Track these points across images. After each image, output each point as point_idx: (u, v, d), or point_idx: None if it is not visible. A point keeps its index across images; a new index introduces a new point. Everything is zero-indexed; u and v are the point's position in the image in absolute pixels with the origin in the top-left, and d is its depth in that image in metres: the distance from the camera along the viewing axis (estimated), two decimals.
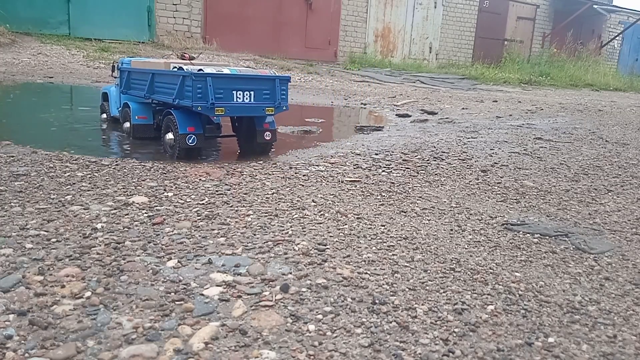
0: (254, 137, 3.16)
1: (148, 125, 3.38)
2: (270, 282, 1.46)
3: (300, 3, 13.28)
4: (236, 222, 1.93)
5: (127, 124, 3.47)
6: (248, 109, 2.95)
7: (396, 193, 2.53)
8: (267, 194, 2.33)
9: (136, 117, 3.35)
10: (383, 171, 2.97)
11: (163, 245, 1.67)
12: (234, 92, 2.86)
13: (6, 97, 5.31)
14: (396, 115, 6.12)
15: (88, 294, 1.33)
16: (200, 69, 2.84)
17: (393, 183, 2.72)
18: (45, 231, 1.70)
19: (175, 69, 2.97)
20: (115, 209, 1.97)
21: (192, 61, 3.35)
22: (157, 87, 3.15)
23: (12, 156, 2.64)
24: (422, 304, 1.40)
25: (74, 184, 2.26)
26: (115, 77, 3.77)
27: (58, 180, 2.30)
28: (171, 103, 2.95)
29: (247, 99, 2.91)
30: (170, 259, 1.57)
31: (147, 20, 11.47)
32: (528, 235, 2.05)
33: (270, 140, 3.18)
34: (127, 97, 3.52)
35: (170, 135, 3.01)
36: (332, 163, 3.09)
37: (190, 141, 2.90)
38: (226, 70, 2.92)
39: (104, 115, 3.98)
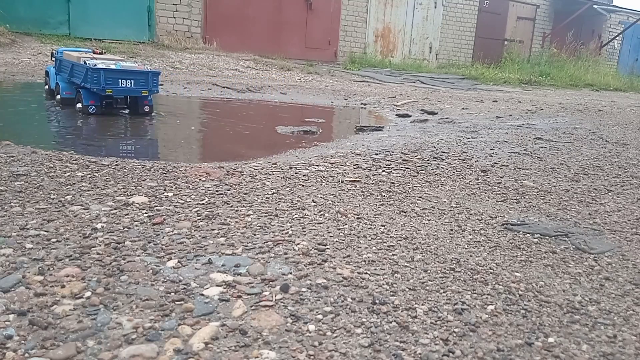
0: (138, 108, 4.57)
1: (72, 99, 4.65)
2: (270, 282, 1.46)
3: (300, 3, 13.28)
4: (236, 222, 1.93)
5: (58, 97, 4.81)
6: (129, 91, 4.37)
7: (396, 193, 2.53)
8: (267, 194, 2.33)
9: (64, 93, 4.67)
10: (383, 171, 2.97)
11: (163, 245, 1.67)
12: (120, 80, 4.27)
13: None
14: (396, 115, 6.12)
15: (88, 294, 1.33)
16: (96, 64, 4.22)
17: (393, 183, 2.72)
18: (45, 231, 1.70)
19: (84, 62, 4.29)
20: (115, 209, 1.97)
21: (99, 55, 4.71)
22: (74, 73, 4.51)
23: (12, 156, 2.64)
24: (422, 304, 1.40)
25: (74, 184, 2.26)
26: (52, 62, 5.16)
27: (58, 180, 2.30)
28: (80, 84, 4.35)
29: (128, 85, 4.32)
30: (170, 259, 1.57)
31: (147, 20, 11.47)
32: (528, 235, 2.05)
33: (148, 111, 4.61)
34: (59, 78, 4.83)
35: (79, 105, 4.44)
36: (332, 163, 3.09)
37: (90, 110, 4.36)
38: (113, 66, 4.30)
39: (46, 87, 5.34)
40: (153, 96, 4.65)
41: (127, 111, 4.68)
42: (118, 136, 3.90)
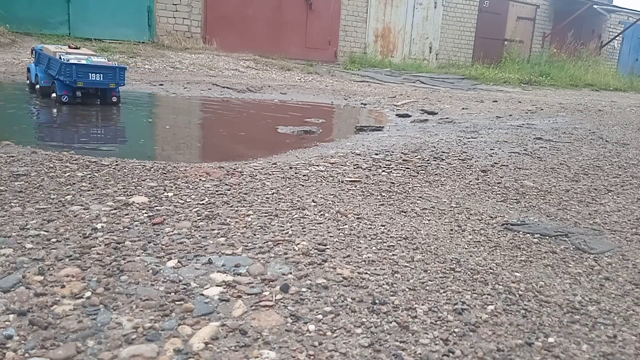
0: (107, 98, 5.06)
1: (49, 87, 5.10)
2: (270, 282, 1.46)
3: (300, 3, 13.28)
4: (236, 222, 1.93)
5: (37, 86, 5.29)
6: (98, 83, 4.88)
7: (396, 193, 2.53)
8: (267, 194, 2.33)
9: (42, 82, 5.15)
10: (383, 171, 2.97)
11: (163, 245, 1.67)
12: (90, 73, 4.76)
13: None
14: (396, 115, 6.12)
15: (88, 294, 1.33)
16: (69, 60, 4.68)
17: (393, 183, 2.72)
18: (45, 231, 1.70)
19: (59, 57, 4.75)
20: (115, 209, 1.97)
21: (73, 50, 5.14)
22: (50, 66, 4.98)
23: (12, 156, 2.64)
24: (422, 304, 1.40)
25: (74, 184, 2.26)
26: (33, 58, 5.68)
27: (58, 180, 2.30)
28: (55, 76, 4.82)
29: (98, 78, 4.83)
30: (170, 259, 1.57)
31: (147, 20, 11.47)
32: (528, 235, 2.05)
33: (116, 102, 5.10)
34: (38, 69, 5.34)
35: (54, 95, 4.90)
36: (332, 163, 3.09)
37: (64, 99, 4.79)
38: (84, 61, 4.78)
39: (28, 81, 5.82)
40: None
41: (98, 101, 5.17)
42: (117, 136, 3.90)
